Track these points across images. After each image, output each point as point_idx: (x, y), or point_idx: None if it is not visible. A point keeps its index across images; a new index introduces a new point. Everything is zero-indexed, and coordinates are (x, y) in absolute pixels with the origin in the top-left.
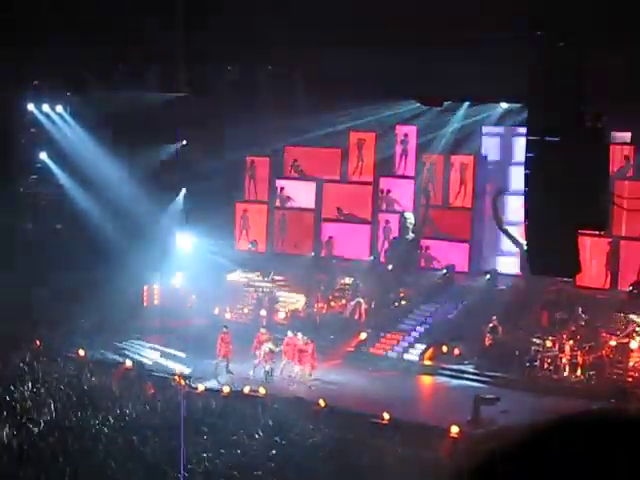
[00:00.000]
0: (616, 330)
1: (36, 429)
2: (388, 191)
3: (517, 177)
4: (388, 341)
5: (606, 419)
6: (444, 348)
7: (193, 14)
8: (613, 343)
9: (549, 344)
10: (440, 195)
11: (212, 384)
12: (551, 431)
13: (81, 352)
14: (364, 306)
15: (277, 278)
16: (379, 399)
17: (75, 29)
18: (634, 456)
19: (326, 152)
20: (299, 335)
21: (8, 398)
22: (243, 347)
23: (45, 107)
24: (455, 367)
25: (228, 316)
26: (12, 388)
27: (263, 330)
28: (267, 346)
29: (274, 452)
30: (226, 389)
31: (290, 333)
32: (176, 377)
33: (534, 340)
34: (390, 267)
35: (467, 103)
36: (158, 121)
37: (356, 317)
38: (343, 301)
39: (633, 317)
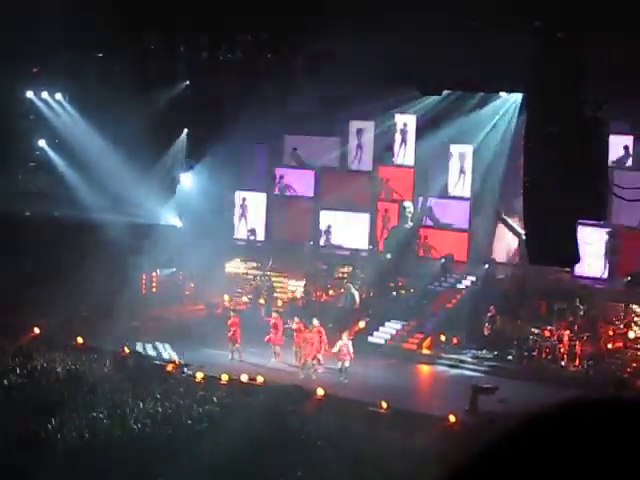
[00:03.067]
0: (614, 320)
1: (34, 417)
2: (387, 180)
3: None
4: (387, 330)
5: (604, 405)
6: (442, 337)
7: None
8: (611, 333)
9: (547, 334)
10: (439, 184)
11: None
12: (548, 417)
13: (79, 340)
14: (355, 293)
15: (275, 266)
16: (377, 388)
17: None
18: (632, 442)
19: (325, 140)
20: (315, 321)
21: (8, 386)
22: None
23: (44, 94)
24: (453, 356)
25: (227, 304)
26: (10, 376)
27: (275, 315)
28: (342, 342)
29: (273, 441)
30: (225, 377)
31: (297, 319)
32: (175, 365)
33: (532, 330)
34: (389, 256)
35: (466, 92)
36: (160, 110)
37: (354, 305)
38: (342, 290)
39: (631, 307)
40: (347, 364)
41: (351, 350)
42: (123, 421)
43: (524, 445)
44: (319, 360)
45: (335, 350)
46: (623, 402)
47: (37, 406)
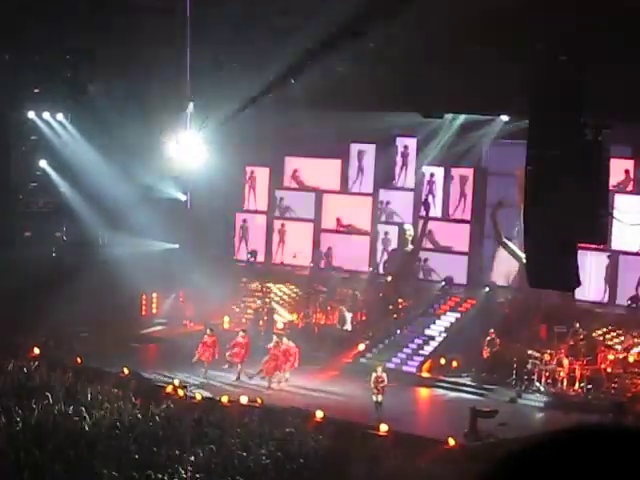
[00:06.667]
0: (614, 344)
1: (33, 436)
2: (387, 202)
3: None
4: (386, 352)
5: (604, 432)
6: (442, 360)
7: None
8: (611, 357)
9: (547, 357)
10: (440, 207)
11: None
12: (550, 444)
13: (79, 360)
14: (347, 315)
15: (276, 289)
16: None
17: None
18: (632, 469)
19: (326, 163)
20: (284, 340)
21: (5, 406)
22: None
23: (46, 115)
24: (453, 379)
25: (227, 326)
26: (10, 395)
27: (242, 334)
28: (377, 374)
29: (271, 462)
30: (224, 399)
31: (275, 338)
32: (174, 386)
33: (532, 353)
34: (389, 278)
35: (468, 115)
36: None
37: (345, 327)
38: (336, 313)
39: (631, 331)
40: (380, 398)
41: (386, 382)
42: (120, 442)
43: (525, 473)
44: (270, 378)
45: (371, 381)
46: (623, 430)
47: (34, 427)
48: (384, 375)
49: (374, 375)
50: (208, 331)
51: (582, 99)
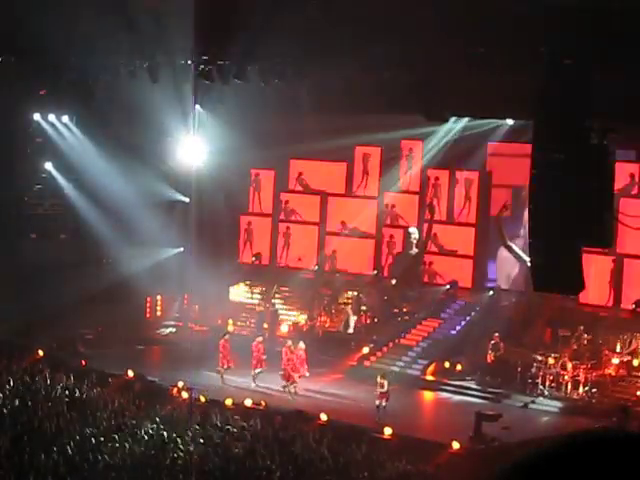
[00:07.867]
0: (619, 348)
1: (37, 439)
2: (393, 206)
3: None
4: (390, 356)
5: (609, 438)
6: (446, 364)
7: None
8: (616, 361)
9: (551, 361)
10: (444, 211)
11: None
12: (554, 450)
13: (82, 362)
14: (352, 318)
15: (280, 291)
16: (380, 414)
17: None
18: (636, 475)
19: (331, 166)
20: (300, 344)
21: (9, 408)
22: (244, 359)
23: (51, 117)
24: (457, 383)
25: (231, 328)
26: (14, 398)
27: (259, 339)
28: (379, 380)
29: (275, 465)
30: (228, 401)
31: (290, 342)
32: (178, 388)
33: (536, 357)
34: (393, 282)
35: (473, 119)
36: (166, 129)
37: (349, 330)
38: (342, 316)
39: (636, 335)
40: (384, 403)
41: (385, 388)
42: (123, 444)
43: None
44: (294, 380)
45: (377, 387)
46: (626, 434)
47: (38, 430)
48: (385, 382)
49: (378, 381)
50: (227, 336)
51: (586, 102)
